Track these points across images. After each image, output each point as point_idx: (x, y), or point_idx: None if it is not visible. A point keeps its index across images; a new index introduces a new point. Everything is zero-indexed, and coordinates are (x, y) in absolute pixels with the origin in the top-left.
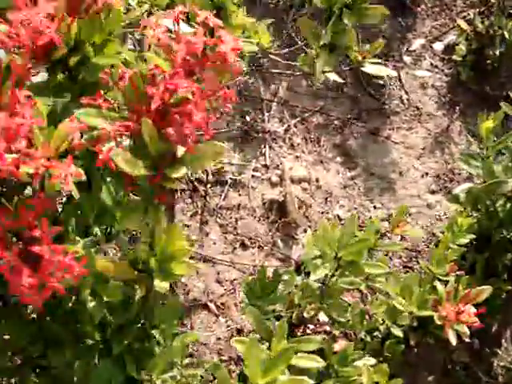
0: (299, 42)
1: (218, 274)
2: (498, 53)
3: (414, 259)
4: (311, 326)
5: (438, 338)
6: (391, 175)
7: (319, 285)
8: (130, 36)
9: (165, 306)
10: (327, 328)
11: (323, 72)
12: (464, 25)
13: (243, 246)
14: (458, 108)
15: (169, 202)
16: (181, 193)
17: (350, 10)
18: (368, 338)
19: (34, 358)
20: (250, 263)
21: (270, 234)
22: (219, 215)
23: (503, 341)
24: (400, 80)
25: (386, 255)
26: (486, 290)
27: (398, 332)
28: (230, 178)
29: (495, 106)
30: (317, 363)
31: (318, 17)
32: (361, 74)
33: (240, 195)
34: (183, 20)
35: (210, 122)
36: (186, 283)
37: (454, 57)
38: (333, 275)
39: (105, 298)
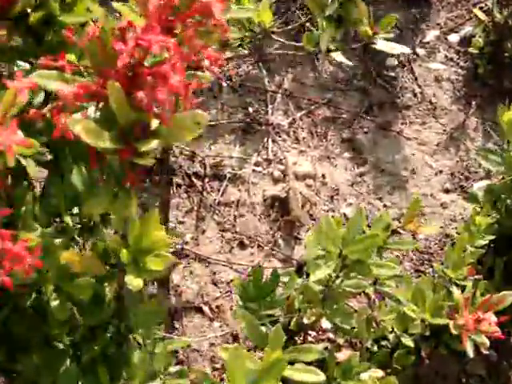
0: (303, 20)
1: (214, 274)
2: None
3: (426, 262)
4: (313, 334)
5: (453, 348)
6: (403, 172)
7: (321, 287)
8: None
9: (144, 306)
10: (330, 335)
11: (328, 51)
12: (481, 15)
13: (241, 245)
14: (474, 103)
15: (163, 197)
16: (176, 187)
17: None
18: (375, 348)
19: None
20: (248, 264)
21: (271, 232)
22: (217, 212)
23: None
24: (413, 73)
25: (397, 257)
26: (508, 297)
27: (408, 342)
28: (229, 173)
29: None
30: (315, 376)
31: None
32: (371, 65)
33: (239, 191)
34: None
35: (191, 88)
36: (178, 284)
37: (471, 49)
38: (337, 276)
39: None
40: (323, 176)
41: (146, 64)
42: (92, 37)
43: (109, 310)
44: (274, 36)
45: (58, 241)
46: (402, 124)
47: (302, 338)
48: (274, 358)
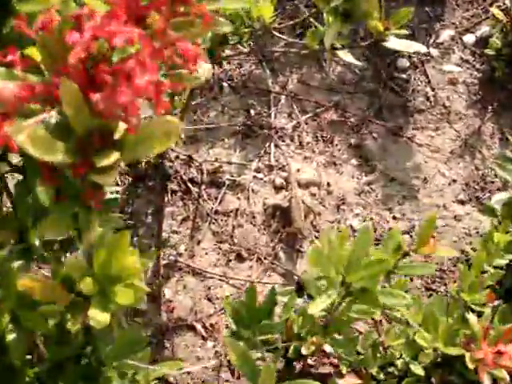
0: (307, 16)
1: (209, 289)
2: None
3: (438, 280)
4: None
5: (467, 378)
6: (414, 181)
7: (323, 313)
8: None
9: (121, 334)
10: (333, 359)
11: (334, 49)
12: (499, 14)
13: (239, 257)
14: (490, 107)
15: (157, 204)
16: (171, 194)
17: None
18: (381, 375)
19: None
20: (246, 278)
21: (272, 244)
22: (213, 221)
23: None
24: (426, 75)
25: (406, 275)
26: None
27: (418, 369)
28: (228, 179)
29: None
30: None
31: None
32: (382, 66)
33: (238, 199)
34: None
35: (164, 89)
36: (170, 299)
37: (487, 50)
38: (340, 303)
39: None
40: (328, 184)
41: (113, 60)
42: (44, 26)
43: (77, 341)
44: (275, 33)
45: (17, 263)
46: (414, 129)
47: (301, 364)
48: None
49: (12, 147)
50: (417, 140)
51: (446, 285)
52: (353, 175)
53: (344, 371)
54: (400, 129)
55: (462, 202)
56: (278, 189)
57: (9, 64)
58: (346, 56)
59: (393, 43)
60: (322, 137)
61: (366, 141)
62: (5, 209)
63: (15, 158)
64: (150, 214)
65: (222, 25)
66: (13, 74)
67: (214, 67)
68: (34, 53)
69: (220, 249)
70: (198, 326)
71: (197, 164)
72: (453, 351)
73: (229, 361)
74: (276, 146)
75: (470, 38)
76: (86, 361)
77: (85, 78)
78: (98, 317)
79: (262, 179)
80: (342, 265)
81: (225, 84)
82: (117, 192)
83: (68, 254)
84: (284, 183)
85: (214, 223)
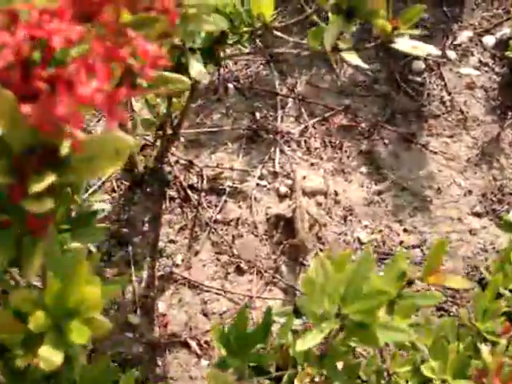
0: (310, 13)
1: (205, 304)
2: None
3: (450, 300)
4: None
5: None
6: (427, 192)
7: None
8: None
9: (94, 366)
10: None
11: (337, 50)
12: None
13: (239, 270)
14: (510, 114)
15: (154, 212)
16: (170, 201)
17: None
18: None
19: None
20: (244, 293)
21: (273, 257)
22: (213, 231)
23: None
24: (442, 78)
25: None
26: None
27: None
28: (230, 186)
29: None
30: None
31: None
32: (395, 69)
33: (240, 208)
34: None
35: (119, 99)
36: (164, 313)
37: (508, 53)
38: (338, 333)
39: None
40: (336, 193)
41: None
42: None
43: (38, 374)
44: (276, 32)
45: None
46: (428, 136)
47: None
48: None
49: None
50: (431, 147)
51: (458, 305)
52: (362, 184)
53: None
54: (413, 135)
55: (478, 215)
56: (282, 197)
57: None
58: (351, 58)
59: (401, 45)
60: (330, 142)
61: (377, 147)
62: None
63: None
64: (146, 222)
65: (217, 22)
66: None
67: (218, 68)
68: None
69: (218, 260)
70: (193, 343)
71: (197, 169)
72: None
73: None
74: (281, 151)
75: (489, 40)
76: None
77: (23, 86)
78: (50, 356)
79: (265, 187)
80: (339, 294)
81: (230, 85)
82: (112, 198)
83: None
84: (289, 191)
85: (213, 233)
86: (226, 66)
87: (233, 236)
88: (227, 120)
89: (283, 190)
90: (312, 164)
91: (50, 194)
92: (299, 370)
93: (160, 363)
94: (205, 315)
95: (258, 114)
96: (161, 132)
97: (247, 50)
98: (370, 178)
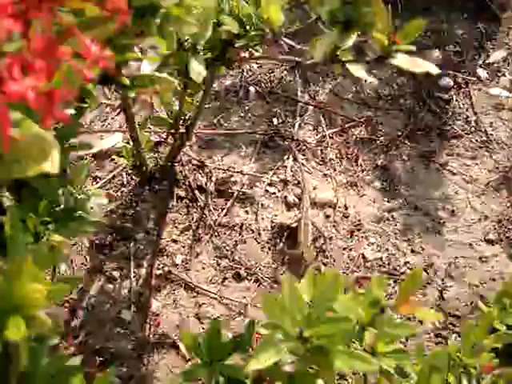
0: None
1: (200, 307)
2: None
3: (450, 327)
4: None
5: None
6: (440, 213)
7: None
8: None
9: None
10: None
11: (337, 61)
12: None
13: (237, 276)
14: None
15: (161, 210)
16: (177, 200)
17: None
18: None
19: None
20: (240, 300)
21: (274, 266)
22: (216, 234)
23: None
24: (470, 97)
25: (409, 319)
26: None
27: None
28: (238, 191)
29: None
30: None
31: None
32: (423, 83)
33: (246, 213)
34: None
35: (57, 98)
36: (157, 312)
37: None
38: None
39: None
40: (346, 207)
41: None
42: None
43: None
44: (284, 39)
45: None
46: (448, 155)
47: None
48: None
49: None
50: (450, 167)
51: (458, 333)
52: (374, 199)
53: None
54: (433, 153)
55: (491, 242)
56: (290, 206)
57: None
58: (355, 70)
59: (400, 61)
60: (346, 154)
61: (394, 163)
62: None
63: None
64: (151, 219)
65: (229, 24)
66: None
67: (241, 71)
68: None
69: (218, 264)
70: (182, 346)
71: (207, 171)
72: None
73: None
74: (295, 159)
75: None
76: None
77: None
78: None
79: (274, 194)
80: (303, 315)
81: (252, 88)
82: (121, 193)
83: None
84: (297, 201)
85: (216, 236)
86: (250, 69)
87: (235, 241)
88: (244, 123)
89: (291, 198)
90: (325, 175)
91: None
92: None
93: (147, 362)
94: (197, 318)
95: (275, 120)
96: (173, 131)
97: (260, 54)
98: (383, 194)
